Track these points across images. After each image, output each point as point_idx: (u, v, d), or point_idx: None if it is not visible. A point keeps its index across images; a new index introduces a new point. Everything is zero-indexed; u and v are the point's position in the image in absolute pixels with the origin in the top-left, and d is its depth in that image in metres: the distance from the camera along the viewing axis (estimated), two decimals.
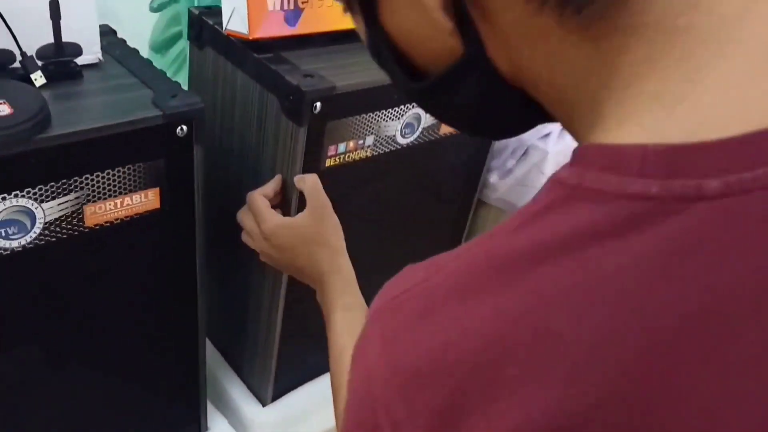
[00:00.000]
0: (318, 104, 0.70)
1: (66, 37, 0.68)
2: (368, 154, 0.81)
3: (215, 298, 0.93)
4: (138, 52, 0.76)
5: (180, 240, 0.73)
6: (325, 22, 0.77)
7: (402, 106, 0.81)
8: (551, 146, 0.98)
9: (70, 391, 0.75)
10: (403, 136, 0.84)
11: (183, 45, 1.77)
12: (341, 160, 0.78)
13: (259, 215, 0.70)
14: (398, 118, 0.81)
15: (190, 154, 0.68)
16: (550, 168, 0.99)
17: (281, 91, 0.71)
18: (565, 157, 0.93)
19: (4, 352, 0.66)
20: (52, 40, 0.67)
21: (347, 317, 0.63)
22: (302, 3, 0.74)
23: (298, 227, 0.69)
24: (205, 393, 0.89)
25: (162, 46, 1.76)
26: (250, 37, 0.72)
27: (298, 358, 0.96)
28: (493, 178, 1.04)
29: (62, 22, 0.66)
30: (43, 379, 0.71)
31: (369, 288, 0.93)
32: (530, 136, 0.99)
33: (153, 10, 1.72)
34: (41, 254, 0.62)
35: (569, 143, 1.00)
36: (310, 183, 0.70)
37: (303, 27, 0.75)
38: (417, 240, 1.00)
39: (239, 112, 0.79)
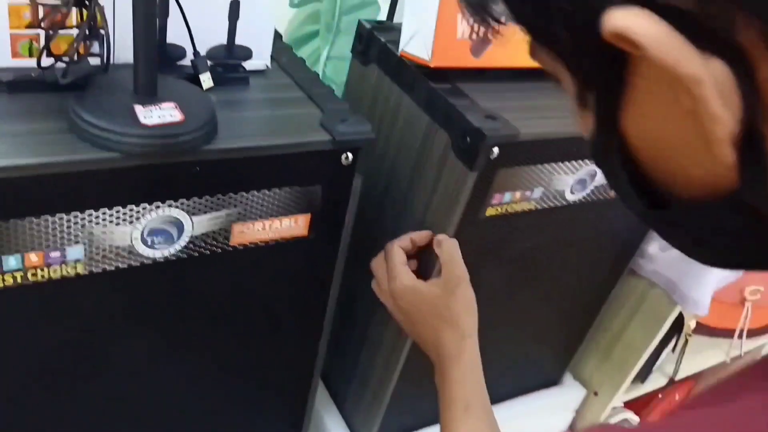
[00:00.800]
0: (496, 149, 0.62)
1: (239, 40, 0.63)
2: (533, 206, 0.72)
3: (336, 332, 0.88)
4: (304, 62, 0.71)
5: (319, 271, 0.67)
6: (510, 58, 0.69)
7: (578, 161, 0.71)
8: None
9: (181, 400, 0.70)
10: (572, 192, 0.74)
11: (317, 44, 1.75)
12: (503, 210, 0.70)
13: (392, 270, 0.65)
14: (572, 173, 0.72)
15: (349, 183, 0.62)
16: None
17: (457, 129, 0.63)
18: None
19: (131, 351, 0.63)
20: (224, 41, 0.63)
21: (465, 420, 0.58)
22: (493, 33, 0.66)
23: (428, 295, 0.63)
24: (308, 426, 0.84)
25: (296, 42, 1.74)
26: (432, 65, 0.65)
27: (407, 408, 0.88)
28: (653, 248, 0.92)
29: (238, 24, 0.62)
30: (157, 385, 0.67)
31: (497, 335, 0.84)
32: None
33: (293, 5, 1.70)
34: (181, 267, 0.58)
35: None
36: (447, 249, 0.64)
37: (486, 60, 0.67)
38: (558, 301, 0.91)
39: (397, 140, 0.73)
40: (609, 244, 0.88)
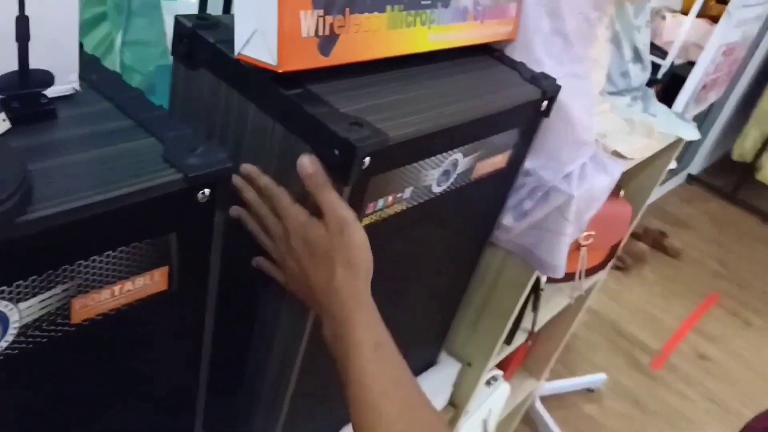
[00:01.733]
0: (368, 159, 0.56)
1: (34, 62, 0.50)
2: (404, 207, 0.68)
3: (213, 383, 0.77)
4: (121, 77, 0.58)
5: (186, 324, 0.57)
6: (363, 51, 0.63)
7: (442, 154, 0.68)
8: (575, 188, 0.89)
9: None
10: (438, 185, 0.71)
11: (107, 29, 1.53)
12: (378, 217, 0.65)
13: (284, 209, 0.59)
14: (438, 166, 0.69)
15: (210, 223, 0.52)
16: (574, 213, 0.90)
17: (321, 142, 0.56)
18: (587, 201, 0.83)
19: None
20: (14, 66, 0.49)
21: (378, 359, 0.56)
22: (338, 27, 0.59)
23: (319, 236, 0.58)
24: None
25: (80, 29, 1.51)
26: (280, 71, 0.57)
27: None
28: (507, 219, 0.93)
29: (31, 44, 0.49)
30: None
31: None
32: (552, 176, 0.89)
33: None
34: (15, 366, 0.45)
35: (593, 186, 0.92)
36: (325, 196, 0.58)
37: (337, 57, 0.61)
38: (432, 287, 0.89)
39: (249, 156, 0.64)
40: (472, 223, 0.87)
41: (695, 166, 3.74)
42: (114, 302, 0.49)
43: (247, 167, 0.61)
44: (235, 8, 0.58)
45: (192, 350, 0.60)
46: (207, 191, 0.50)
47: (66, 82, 0.52)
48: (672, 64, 2.47)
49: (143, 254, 0.49)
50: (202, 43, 0.63)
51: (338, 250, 0.57)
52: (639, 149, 1.06)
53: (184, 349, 0.59)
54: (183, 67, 0.67)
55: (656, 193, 3.61)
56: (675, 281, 2.97)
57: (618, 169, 0.97)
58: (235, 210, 0.63)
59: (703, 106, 1.97)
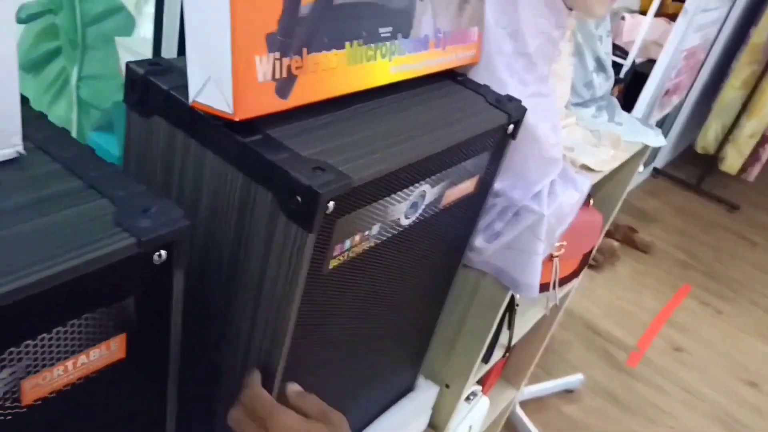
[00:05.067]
0: (332, 204, 0.54)
1: None
2: (372, 244, 0.66)
3: None
4: (69, 133, 0.55)
5: (147, 393, 0.54)
6: (323, 90, 0.61)
7: (411, 187, 0.67)
8: (545, 207, 0.88)
9: None
10: (406, 218, 0.70)
11: (62, 63, 1.49)
12: (345, 257, 0.63)
13: (272, 410, 0.58)
14: (405, 199, 0.67)
15: (168, 284, 0.50)
16: (546, 231, 0.89)
17: (283, 189, 0.54)
18: (558, 218, 0.82)
19: None
20: None
21: None
22: (296, 69, 0.57)
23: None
24: None
25: (34, 65, 1.47)
26: (236, 119, 0.54)
27: None
28: (479, 241, 0.92)
29: None
30: None
31: (353, 370, 0.78)
32: (521, 195, 0.89)
33: (21, 21, 1.43)
34: None
35: (563, 203, 0.91)
36: (310, 403, 0.61)
37: (296, 98, 0.58)
38: (406, 316, 0.87)
39: (207, 205, 0.61)
40: (444, 248, 0.86)
41: (660, 160, 3.79)
42: (68, 378, 0.46)
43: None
44: (188, 55, 0.55)
45: (155, 419, 0.57)
46: (163, 253, 0.47)
47: (8, 146, 0.49)
48: (633, 62, 2.50)
49: (98, 324, 0.46)
50: (155, 90, 0.60)
51: None
52: (606, 161, 1.06)
53: (146, 419, 0.57)
54: (136, 114, 0.64)
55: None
56: (646, 275, 3.01)
57: (587, 183, 0.96)
58: None
59: (668, 110, 1.99)
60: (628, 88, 2.58)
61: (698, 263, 3.18)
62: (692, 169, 3.76)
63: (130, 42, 1.13)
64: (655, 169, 3.80)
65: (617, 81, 2.45)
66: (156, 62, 0.63)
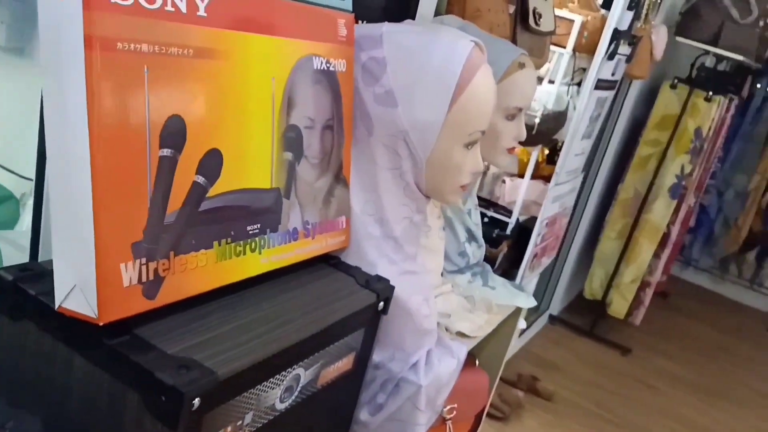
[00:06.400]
0: (197, 400, 0.56)
1: None
2: None
3: None
4: None
5: None
6: (192, 287, 0.65)
7: (284, 372, 0.69)
8: (422, 378, 0.93)
9: None
10: (282, 401, 0.72)
11: None
12: None
13: None
14: (279, 384, 0.70)
15: None
16: (425, 402, 0.92)
17: (148, 390, 0.56)
18: (437, 388, 0.86)
19: None
20: None
21: None
22: (163, 270, 0.62)
23: None
24: None
25: None
26: (101, 323, 0.57)
27: None
28: (363, 415, 0.94)
29: None
30: None
31: None
32: (400, 367, 0.93)
33: None
34: None
35: (439, 374, 0.96)
36: None
37: (164, 297, 0.62)
38: None
39: (76, 409, 0.61)
40: (326, 425, 0.87)
41: (555, 307, 4.00)
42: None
43: None
44: (54, 261, 0.59)
45: None
46: None
47: None
48: (518, 220, 2.72)
49: None
50: (24, 295, 0.62)
51: None
52: (481, 326, 1.14)
53: None
54: (6, 318, 0.65)
55: (524, 337, 3.74)
56: (555, 427, 3.04)
57: (463, 350, 1.02)
58: None
59: (539, 271, 2.16)
60: (515, 244, 2.79)
61: (606, 411, 3.25)
62: (585, 315, 3.97)
63: (13, 235, 1.15)
64: (551, 316, 3.98)
65: (506, 237, 2.66)
66: (28, 267, 0.65)
